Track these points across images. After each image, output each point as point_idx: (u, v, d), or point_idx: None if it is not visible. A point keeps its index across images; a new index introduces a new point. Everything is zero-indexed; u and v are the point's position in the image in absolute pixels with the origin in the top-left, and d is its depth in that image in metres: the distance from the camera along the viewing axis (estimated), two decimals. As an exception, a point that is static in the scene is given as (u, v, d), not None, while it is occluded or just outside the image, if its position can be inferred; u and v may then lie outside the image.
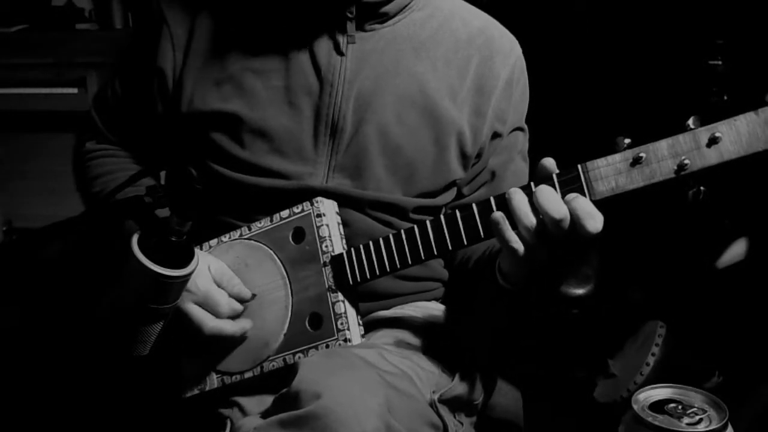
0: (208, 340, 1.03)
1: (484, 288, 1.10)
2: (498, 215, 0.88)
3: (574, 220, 0.83)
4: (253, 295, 1.05)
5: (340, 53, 1.08)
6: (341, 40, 1.08)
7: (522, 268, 0.91)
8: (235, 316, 1.04)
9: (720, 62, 1.81)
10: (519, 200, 0.86)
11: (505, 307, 1.18)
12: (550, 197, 0.84)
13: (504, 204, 0.89)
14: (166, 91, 1.12)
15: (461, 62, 1.12)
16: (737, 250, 1.79)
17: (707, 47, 1.83)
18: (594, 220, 0.84)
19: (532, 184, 0.88)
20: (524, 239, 0.86)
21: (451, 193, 1.17)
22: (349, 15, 1.07)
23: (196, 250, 0.95)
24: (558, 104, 1.89)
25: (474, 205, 0.92)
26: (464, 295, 1.22)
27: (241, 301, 1.04)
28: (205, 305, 1.01)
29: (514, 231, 0.87)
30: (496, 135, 1.15)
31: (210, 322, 1.01)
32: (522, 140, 1.20)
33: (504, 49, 1.15)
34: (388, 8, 1.09)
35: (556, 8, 2.11)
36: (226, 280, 1.04)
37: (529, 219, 0.85)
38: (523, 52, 1.19)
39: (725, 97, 1.76)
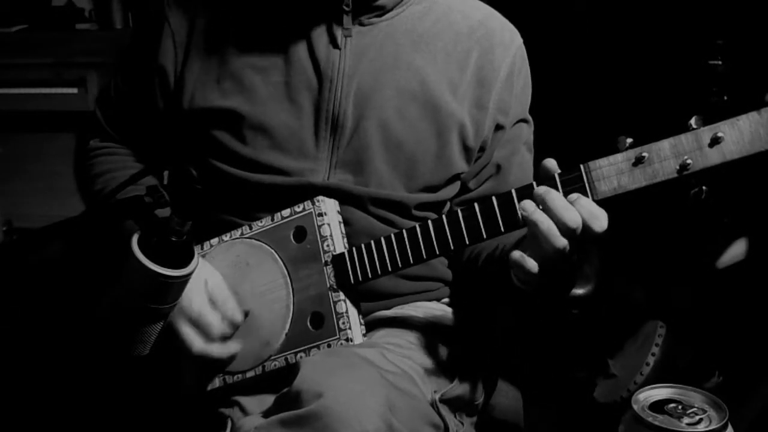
0: (196, 360, 1.03)
1: (494, 287, 1.10)
2: (517, 255, 0.88)
3: (581, 222, 0.84)
4: (246, 314, 1.05)
5: (337, 47, 1.08)
6: (338, 33, 1.08)
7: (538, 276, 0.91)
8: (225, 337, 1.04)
9: (720, 62, 1.81)
10: (549, 227, 0.85)
11: (516, 306, 1.19)
12: (563, 205, 0.84)
13: (506, 202, 0.89)
14: (168, 88, 1.12)
15: (461, 55, 1.12)
16: (737, 250, 1.79)
17: (707, 47, 1.83)
18: (599, 220, 0.84)
19: (534, 184, 0.88)
20: (548, 257, 0.86)
21: (454, 188, 1.16)
22: (346, 8, 1.07)
23: (198, 257, 0.95)
24: (559, 104, 1.89)
25: (476, 204, 0.92)
26: (472, 292, 1.22)
27: (233, 325, 1.04)
28: (197, 326, 1.02)
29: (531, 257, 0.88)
30: (499, 127, 1.14)
31: (198, 345, 1.02)
32: (527, 132, 1.20)
33: (504, 41, 1.14)
34: (385, 1, 1.09)
35: (557, 8, 2.11)
36: (221, 302, 1.03)
37: (562, 242, 0.85)
38: (526, 51, 1.19)
39: (725, 97, 1.76)
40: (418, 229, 0.96)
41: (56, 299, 1.37)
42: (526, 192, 0.89)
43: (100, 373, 1.15)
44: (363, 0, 1.08)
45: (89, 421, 1.12)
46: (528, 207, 0.87)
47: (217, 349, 1.03)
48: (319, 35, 1.09)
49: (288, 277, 1.03)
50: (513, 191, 0.90)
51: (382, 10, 1.10)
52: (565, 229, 0.84)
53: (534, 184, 0.88)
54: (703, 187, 0.82)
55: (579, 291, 1.76)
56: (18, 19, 2.70)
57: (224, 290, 1.05)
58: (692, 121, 0.80)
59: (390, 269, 0.98)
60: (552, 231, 0.85)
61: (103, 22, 2.72)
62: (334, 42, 1.08)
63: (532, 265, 0.88)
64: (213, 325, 1.02)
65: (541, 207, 0.86)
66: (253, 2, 1.11)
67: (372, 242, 0.98)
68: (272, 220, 1.05)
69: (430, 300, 1.19)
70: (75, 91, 2.51)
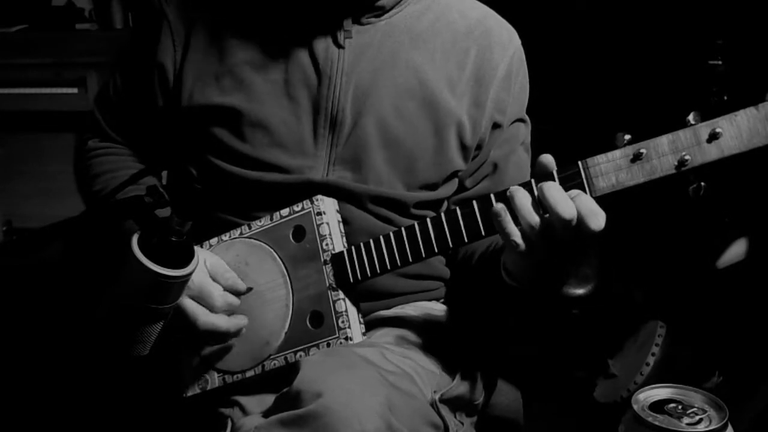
0: (203, 335, 1.02)
1: (488, 285, 1.10)
2: (499, 207, 0.87)
3: (578, 218, 0.83)
4: (249, 288, 1.04)
5: (338, 46, 1.08)
6: (339, 33, 1.08)
7: (526, 264, 0.91)
8: (231, 312, 1.04)
9: (720, 62, 1.81)
10: (521, 198, 0.86)
11: (509, 305, 1.18)
12: (559, 196, 0.83)
13: (505, 200, 0.89)
14: (167, 86, 1.12)
15: (459, 54, 1.12)
16: (737, 250, 1.79)
17: (707, 47, 1.83)
18: (597, 218, 0.83)
19: (532, 181, 0.88)
20: (527, 236, 0.86)
21: (452, 185, 1.16)
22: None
23: (198, 257, 0.95)
24: (559, 102, 1.89)
25: (474, 202, 0.92)
26: (467, 292, 1.22)
27: (236, 294, 1.04)
28: (200, 299, 1.01)
29: (516, 226, 0.87)
30: (496, 126, 1.14)
31: (203, 317, 1.01)
32: (524, 132, 1.20)
33: (502, 40, 1.14)
34: (384, 2, 1.09)
35: (557, 7, 2.11)
36: (221, 274, 1.03)
37: (533, 217, 0.85)
38: (525, 51, 1.19)
39: (725, 97, 1.76)
40: (416, 228, 0.96)
41: (56, 299, 1.37)
42: (525, 189, 0.88)
43: (100, 373, 1.15)
44: (364, 1, 1.08)
45: (89, 421, 1.12)
46: (512, 189, 0.87)
47: (224, 321, 1.02)
48: (319, 34, 1.09)
49: (287, 277, 1.03)
50: (512, 189, 0.89)
51: (382, 10, 1.10)
52: (558, 220, 0.83)
53: (532, 181, 0.88)
54: (702, 183, 0.82)
55: (579, 291, 1.77)
56: (18, 19, 2.70)
57: (223, 265, 1.04)
58: (690, 117, 0.80)
59: (389, 268, 0.98)
60: (524, 204, 0.85)
61: (103, 22, 2.72)
62: (335, 41, 1.08)
63: (512, 229, 0.86)
64: (214, 296, 1.01)
65: (540, 200, 0.85)
66: (254, 0, 1.11)
67: (371, 241, 0.98)
68: (271, 219, 1.05)
69: (429, 299, 1.19)
70: (75, 91, 2.51)
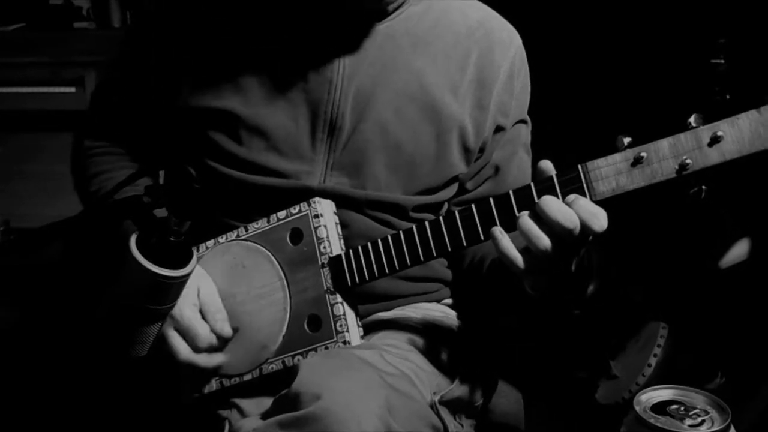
0: (182, 367, 1.03)
1: (501, 292, 1.10)
2: (497, 231, 0.87)
3: (580, 223, 0.83)
4: (235, 330, 1.04)
5: (339, 54, 1.07)
6: (341, 40, 1.07)
7: (536, 277, 0.90)
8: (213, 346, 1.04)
9: (722, 61, 1.80)
10: (529, 224, 0.85)
11: (520, 310, 1.18)
12: (558, 208, 0.83)
13: (504, 204, 0.89)
14: (162, 88, 1.11)
15: (461, 56, 1.11)
16: (739, 250, 1.79)
17: (710, 46, 1.82)
18: (599, 220, 0.83)
19: (532, 185, 0.87)
20: (534, 257, 0.85)
21: (452, 189, 1.16)
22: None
23: (196, 257, 0.95)
24: (559, 103, 1.89)
25: (473, 206, 0.91)
26: (478, 298, 1.21)
27: (221, 338, 1.04)
28: (185, 336, 1.01)
29: (517, 249, 0.87)
30: (499, 128, 1.14)
31: (183, 353, 1.01)
32: (525, 133, 1.20)
33: (504, 41, 1.14)
34: (388, 6, 1.08)
35: (557, 7, 2.11)
36: (212, 314, 1.03)
37: (543, 242, 0.84)
38: (525, 51, 1.18)
39: (727, 96, 1.75)
40: (415, 231, 0.95)
41: (55, 299, 1.37)
42: (523, 193, 0.88)
43: (99, 373, 1.15)
44: (372, 13, 1.07)
45: (88, 421, 1.12)
46: (496, 233, 0.86)
47: (203, 360, 1.02)
48: (319, 38, 1.08)
49: (285, 280, 1.02)
50: (510, 192, 0.89)
51: (384, 14, 1.09)
52: (561, 230, 0.83)
53: (532, 185, 0.87)
54: (703, 187, 0.82)
55: (579, 291, 1.75)
56: (16, 17, 2.70)
57: (216, 301, 1.04)
58: (692, 120, 0.80)
59: (387, 271, 0.97)
60: (533, 230, 0.84)
61: (101, 21, 2.72)
62: (335, 47, 1.07)
63: (515, 255, 0.86)
64: (200, 336, 1.01)
65: (540, 216, 0.84)
66: (251, 2, 1.10)
67: (369, 244, 0.98)
68: (268, 221, 1.05)
69: (429, 301, 1.19)
70: (73, 90, 2.51)
